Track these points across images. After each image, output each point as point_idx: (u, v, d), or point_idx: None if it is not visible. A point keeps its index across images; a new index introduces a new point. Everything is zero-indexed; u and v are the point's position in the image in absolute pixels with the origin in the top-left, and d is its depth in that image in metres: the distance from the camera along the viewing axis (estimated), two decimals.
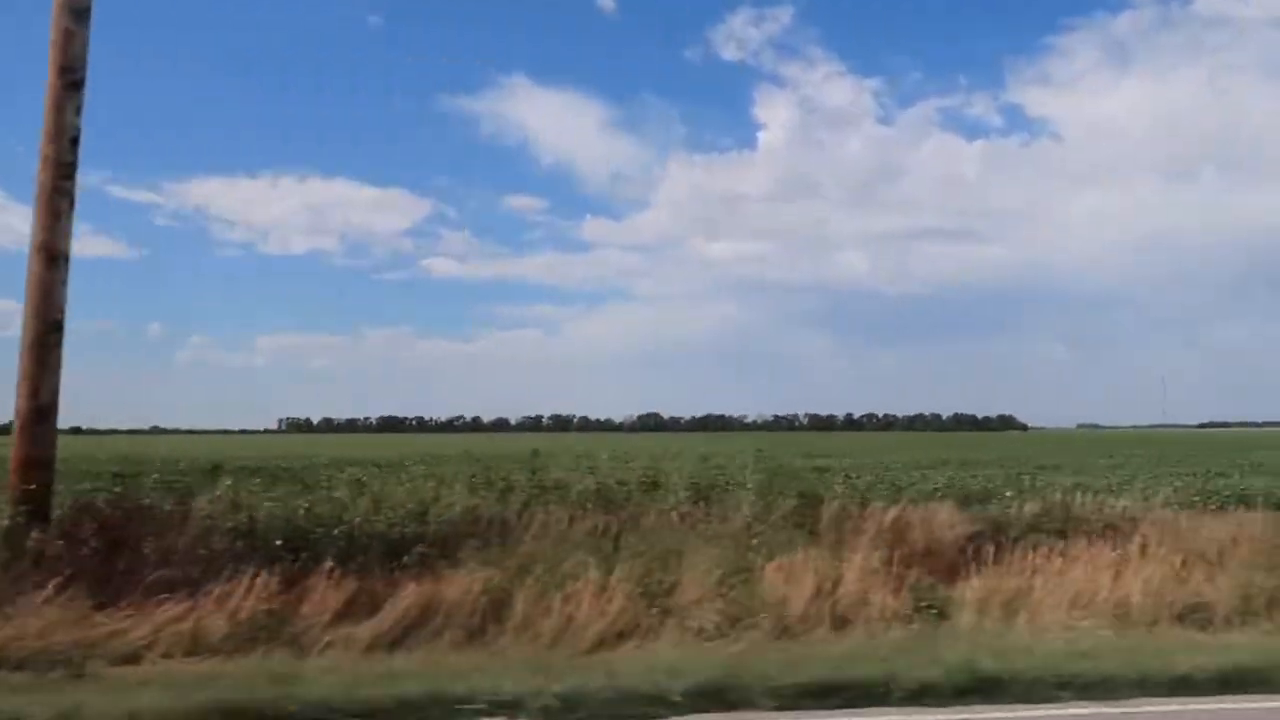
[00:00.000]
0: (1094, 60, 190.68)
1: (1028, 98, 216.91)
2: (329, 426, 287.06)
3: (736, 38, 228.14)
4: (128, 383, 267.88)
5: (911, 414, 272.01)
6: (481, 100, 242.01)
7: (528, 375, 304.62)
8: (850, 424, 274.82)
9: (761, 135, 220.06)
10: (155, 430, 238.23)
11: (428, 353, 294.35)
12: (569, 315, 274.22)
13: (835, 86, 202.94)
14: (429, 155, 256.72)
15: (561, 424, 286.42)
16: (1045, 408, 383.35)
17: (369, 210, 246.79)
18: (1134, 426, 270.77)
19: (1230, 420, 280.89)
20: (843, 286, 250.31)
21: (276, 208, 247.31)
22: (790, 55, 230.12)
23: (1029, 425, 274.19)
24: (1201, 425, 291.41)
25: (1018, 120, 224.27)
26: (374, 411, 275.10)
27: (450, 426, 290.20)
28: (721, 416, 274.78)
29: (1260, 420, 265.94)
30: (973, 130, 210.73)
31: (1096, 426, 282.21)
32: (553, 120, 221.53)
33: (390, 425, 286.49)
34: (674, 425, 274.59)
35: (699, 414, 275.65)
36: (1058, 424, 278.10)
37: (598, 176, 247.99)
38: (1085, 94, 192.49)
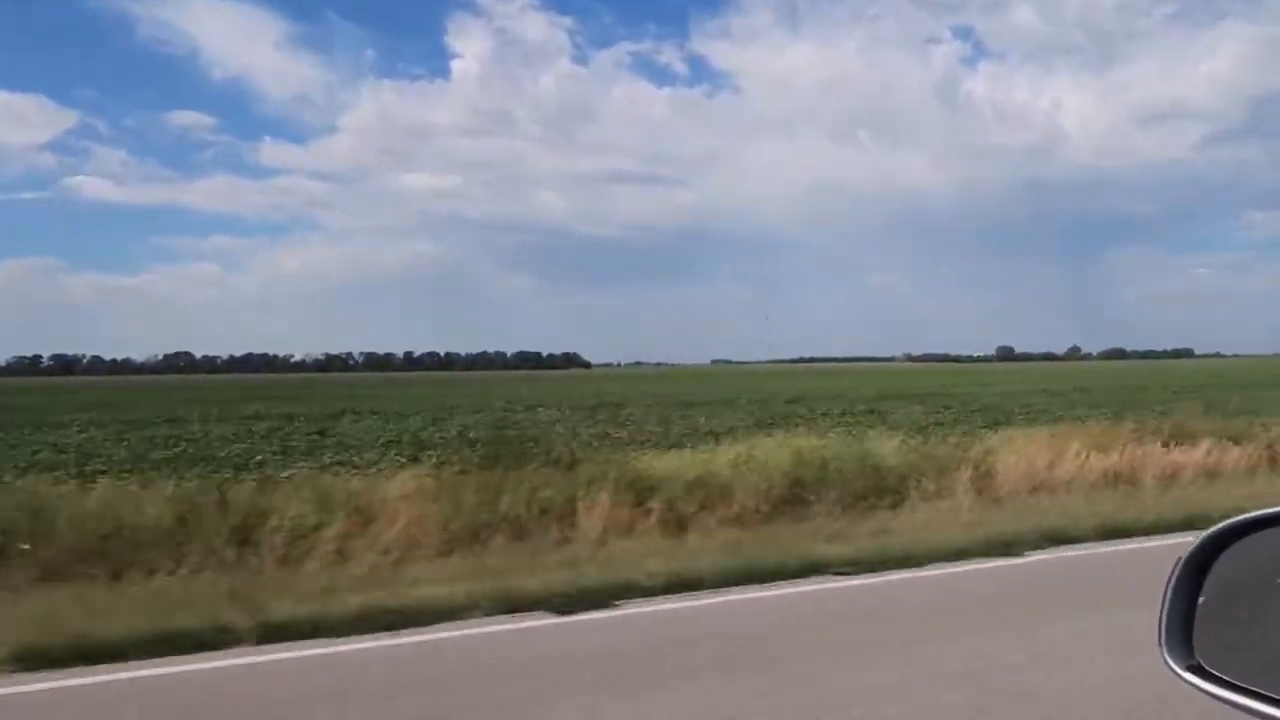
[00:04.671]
0: (770, 20, 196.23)
1: (711, 49, 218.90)
2: None
3: None
4: None
5: (475, 352, 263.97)
6: (138, 1, 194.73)
7: (202, 313, 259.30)
8: (411, 363, 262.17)
9: (456, 64, 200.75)
10: None
11: (82, 288, 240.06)
12: (250, 248, 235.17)
13: (531, 21, 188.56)
14: (72, 59, 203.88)
15: (66, 366, 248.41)
16: (687, 347, 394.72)
17: None
18: (760, 362, 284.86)
19: (820, 355, 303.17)
20: (539, 225, 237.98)
21: None
22: None
23: (593, 363, 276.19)
24: (796, 360, 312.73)
25: (702, 71, 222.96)
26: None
27: None
28: (265, 356, 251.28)
29: (858, 356, 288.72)
30: (661, 77, 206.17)
31: (728, 362, 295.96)
32: (225, 31, 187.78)
33: None
34: (208, 366, 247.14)
35: (239, 353, 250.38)
36: (692, 360, 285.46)
37: (278, 96, 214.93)
38: (762, 51, 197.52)
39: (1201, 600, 1.38)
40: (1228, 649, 1.32)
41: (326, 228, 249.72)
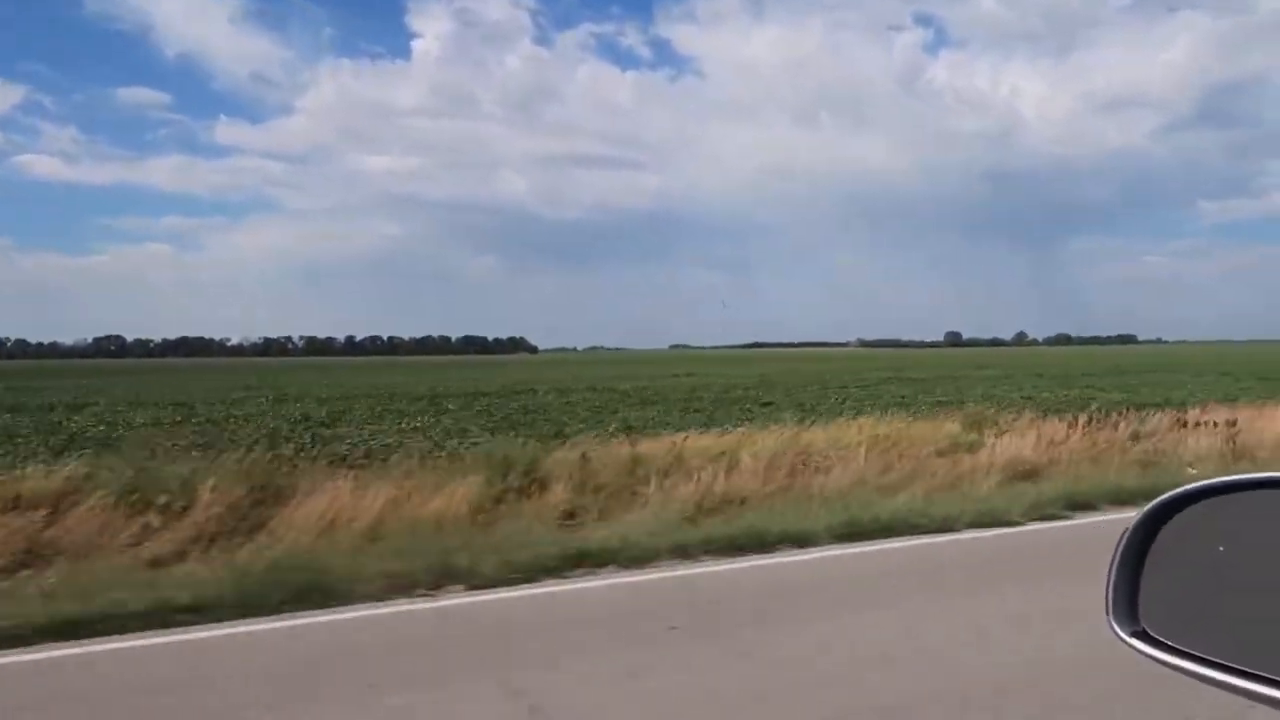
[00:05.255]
0: (734, 4, 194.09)
1: (674, 33, 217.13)
2: None
3: None
4: None
5: (420, 336, 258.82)
6: None
7: (153, 294, 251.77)
8: (352, 347, 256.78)
9: (416, 44, 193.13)
10: None
11: (30, 267, 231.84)
12: (205, 228, 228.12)
13: (492, 1, 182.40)
14: (17, 33, 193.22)
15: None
16: (648, 331, 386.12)
17: None
18: (715, 347, 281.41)
19: (772, 340, 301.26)
20: (501, 207, 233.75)
21: None
22: None
23: (540, 348, 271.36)
24: (750, 345, 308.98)
25: (666, 54, 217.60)
26: None
27: None
28: (201, 339, 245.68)
29: (797, 341, 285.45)
30: (625, 60, 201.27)
31: (686, 346, 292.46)
32: (177, 5, 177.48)
33: None
34: (140, 350, 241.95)
35: (172, 336, 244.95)
36: (651, 345, 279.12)
37: (233, 74, 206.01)
38: (726, 35, 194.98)
39: (1146, 568, 1.42)
40: (1172, 616, 1.36)
41: (283, 208, 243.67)
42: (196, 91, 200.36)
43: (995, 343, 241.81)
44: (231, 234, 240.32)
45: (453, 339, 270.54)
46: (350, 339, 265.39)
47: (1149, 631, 1.36)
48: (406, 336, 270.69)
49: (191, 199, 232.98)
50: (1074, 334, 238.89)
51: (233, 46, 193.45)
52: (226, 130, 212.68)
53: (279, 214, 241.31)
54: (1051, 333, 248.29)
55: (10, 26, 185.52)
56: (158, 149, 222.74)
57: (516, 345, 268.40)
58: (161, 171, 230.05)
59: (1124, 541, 1.42)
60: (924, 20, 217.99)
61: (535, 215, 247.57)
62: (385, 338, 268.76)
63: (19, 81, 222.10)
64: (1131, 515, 1.33)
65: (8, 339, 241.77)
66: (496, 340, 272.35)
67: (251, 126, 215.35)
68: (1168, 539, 1.41)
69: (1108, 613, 1.39)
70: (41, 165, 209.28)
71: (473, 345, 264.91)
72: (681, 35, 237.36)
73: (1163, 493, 1.39)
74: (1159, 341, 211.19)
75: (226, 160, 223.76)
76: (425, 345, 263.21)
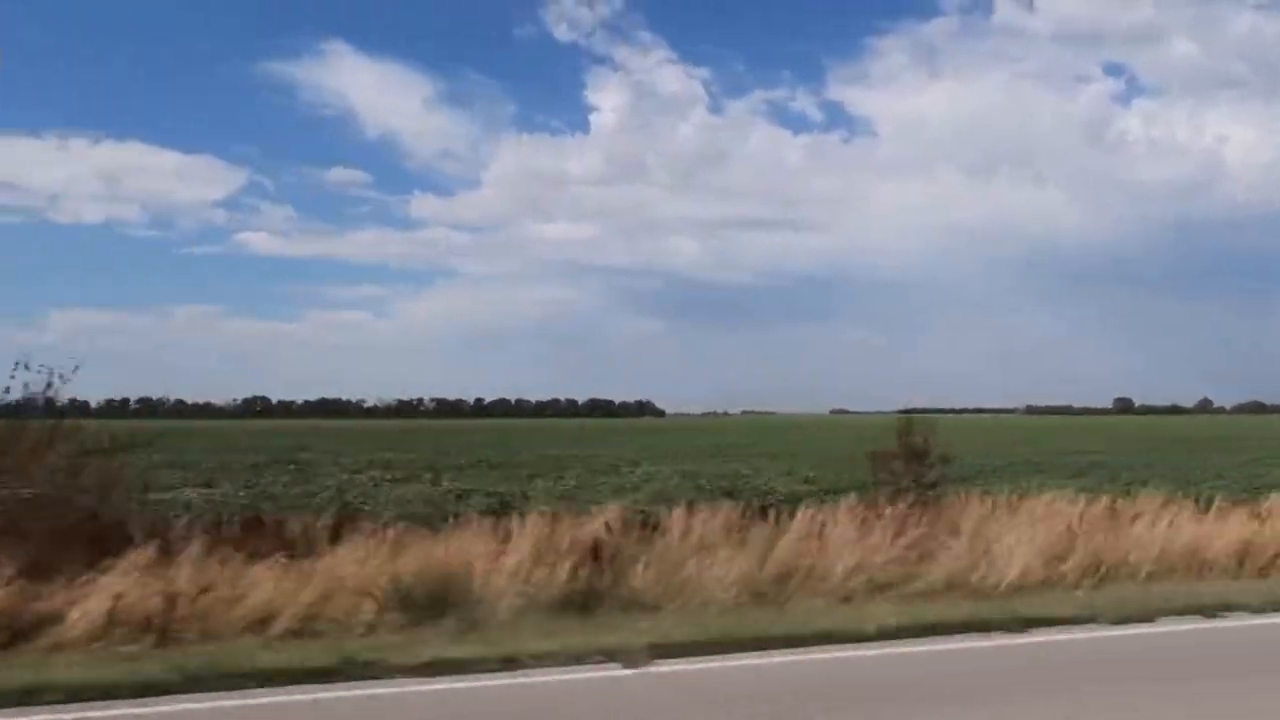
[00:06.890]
0: (906, 63, 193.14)
1: (847, 95, 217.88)
2: None
3: (569, 18, 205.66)
4: None
5: (545, 399, 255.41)
6: (299, 66, 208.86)
7: (353, 357, 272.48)
8: (480, 410, 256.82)
9: (594, 118, 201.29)
10: None
11: (242, 333, 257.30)
12: (395, 295, 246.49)
13: (667, 74, 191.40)
14: (240, 122, 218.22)
15: (151, 409, 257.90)
16: (807, 395, 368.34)
17: (173, 179, 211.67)
18: (874, 411, 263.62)
19: (936, 406, 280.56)
20: (671, 271, 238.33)
21: (62, 171, 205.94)
22: (622, 39, 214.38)
23: (667, 412, 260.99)
24: (905, 410, 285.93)
25: (839, 117, 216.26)
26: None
27: None
28: (339, 400, 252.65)
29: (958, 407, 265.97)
30: (797, 124, 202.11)
31: (846, 411, 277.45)
32: (376, 91, 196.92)
33: None
34: (282, 410, 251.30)
35: (313, 398, 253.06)
36: (811, 409, 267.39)
37: (425, 152, 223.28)
38: (899, 94, 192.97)
39: None
40: None
41: (460, 275, 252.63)
42: (393, 169, 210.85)
43: (1174, 410, 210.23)
44: (405, 302, 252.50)
45: (580, 402, 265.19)
46: (479, 401, 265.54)
47: None
48: (533, 399, 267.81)
49: (382, 269, 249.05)
50: (1269, 401, 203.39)
51: (425, 127, 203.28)
52: (420, 204, 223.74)
53: (455, 281, 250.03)
54: (1242, 399, 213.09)
55: (236, 115, 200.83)
56: (358, 223, 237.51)
57: (643, 409, 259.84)
58: (359, 244, 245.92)
59: None
60: (1114, 70, 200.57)
61: (698, 279, 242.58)
62: (513, 400, 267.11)
63: (241, 165, 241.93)
64: None
65: (166, 399, 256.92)
66: (623, 404, 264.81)
67: (439, 199, 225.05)
68: None
69: None
70: (258, 241, 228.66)
71: (599, 408, 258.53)
72: (853, 97, 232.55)
73: None
74: None
75: (417, 232, 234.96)
76: (551, 408, 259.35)
